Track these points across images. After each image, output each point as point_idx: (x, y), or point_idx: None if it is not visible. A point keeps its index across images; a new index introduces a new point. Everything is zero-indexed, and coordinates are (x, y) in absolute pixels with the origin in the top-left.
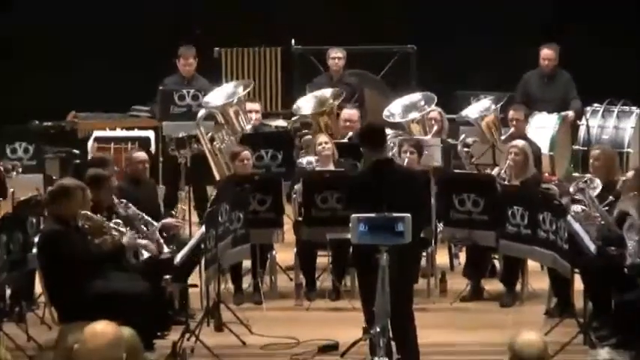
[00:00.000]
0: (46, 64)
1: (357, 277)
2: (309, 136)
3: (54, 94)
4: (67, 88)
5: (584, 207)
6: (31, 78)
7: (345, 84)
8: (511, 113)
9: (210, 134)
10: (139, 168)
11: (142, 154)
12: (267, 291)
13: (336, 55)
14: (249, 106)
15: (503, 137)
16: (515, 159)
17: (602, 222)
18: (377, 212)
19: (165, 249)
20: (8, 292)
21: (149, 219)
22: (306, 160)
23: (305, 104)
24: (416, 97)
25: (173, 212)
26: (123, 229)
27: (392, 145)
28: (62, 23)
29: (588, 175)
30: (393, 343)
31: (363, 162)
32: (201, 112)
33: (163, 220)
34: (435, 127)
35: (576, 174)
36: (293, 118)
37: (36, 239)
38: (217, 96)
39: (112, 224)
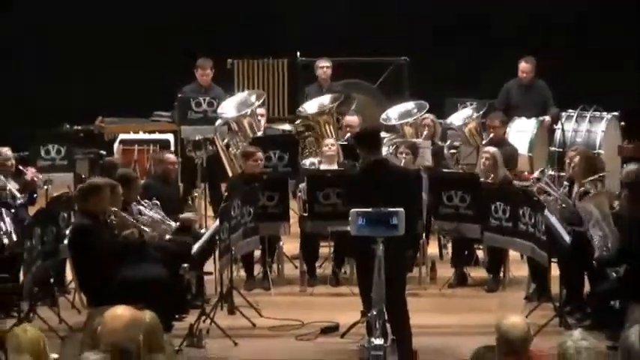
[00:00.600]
0: (75, 73)
1: (356, 266)
2: (312, 138)
3: (82, 100)
4: (94, 96)
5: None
6: (62, 85)
7: (333, 91)
8: (488, 121)
9: (226, 140)
10: (169, 168)
11: (173, 157)
12: (275, 278)
13: (324, 65)
14: (259, 110)
15: (484, 141)
16: (485, 163)
17: (563, 205)
18: (373, 207)
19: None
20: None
21: (167, 219)
22: (309, 162)
23: (308, 107)
24: (410, 104)
25: (192, 208)
26: (146, 228)
27: (389, 147)
28: (91, 35)
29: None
30: (388, 325)
31: (361, 162)
32: (219, 122)
33: (182, 215)
34: (426, 132)
35: (551, 172)
36: (297, 122)
37: (67, 232)
38: (232, 106)
39: (135, 221)
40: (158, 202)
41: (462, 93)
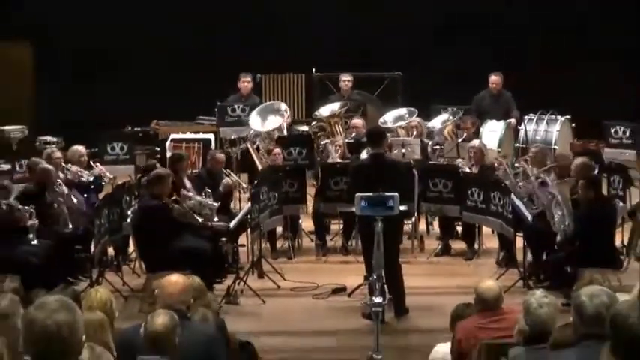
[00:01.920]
0: (134, 85)
1: (360, 239)
2: (327, 139)
3: (141, 107)
4: (150, 103)
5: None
6: (124, 95)
7: (353, 100)
8: (461, 124)
9: (256, 144)
10: (218, 166)
11: (222, 157)
12: (296, 249)
13: (346, 79)
14: (286, 118)
15: (460, 140)
16: (474, 155)
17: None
18: (373, 192)
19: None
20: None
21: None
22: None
23: (323, 111)
24: (403, 110)
25: (231, 178)
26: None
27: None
28: (147, 55)
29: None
30: (386, 287)
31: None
32: (251, 132)
33: (223, 181)
34: (415, 132)
35: (516, 164)
36: (312, 124)
37: (129, 212)
38: (256, 121)
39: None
40: (209, 191)
41: (443, 101)
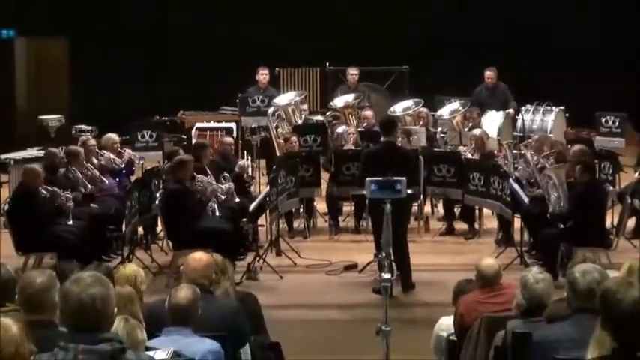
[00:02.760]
0: (162, 78)
1: (370, 220)
2: (340, 127)
3: (168, 98)
4: (177, 95)
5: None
6: (153, 86)
7: (358, 91)
8: (467, 114)
9: (275, 124)
10: (227, 148)
11: (229, 139)
12: (311, 229)
13: (354, 72)
14: (302, 106)
15: (466, 129)
16: (475, 143)
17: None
18: (383, 177)
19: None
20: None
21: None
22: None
23: (338, 101)
24: (410, 101)
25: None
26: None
27: None
28: (174, 47)
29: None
30: (394, 264)
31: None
32: (271, 109)
33: (239, 162)
34: (422, 122)
35: (515, 151)
36: (327, 113)
37: (157, 195)
38: (282, 99)
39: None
40: (227, 175)
41: (447, 93)
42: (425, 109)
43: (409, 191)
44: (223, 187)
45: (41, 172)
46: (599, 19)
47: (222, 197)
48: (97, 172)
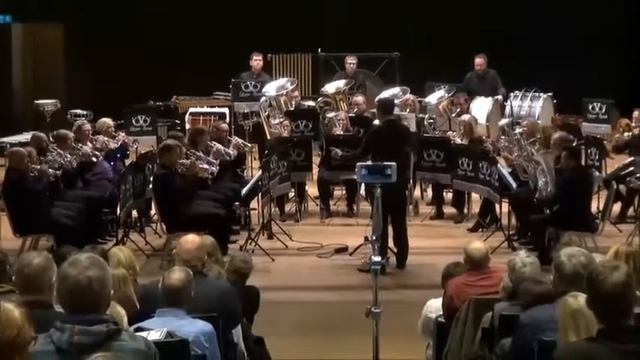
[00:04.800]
0: (156, 63)
1: (370, 203)
2: (331, 112)
3: (162, 83)
4: (170, 80)
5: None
6: (146, 72)
7: (356, 79)
8: (455, 99)
9: (267, 113)
10: (222, 134)
11: (225, 125)
12: (302, 212)
13: (352, 61)
14: (294, 93)
15: (453, 114)
16: (464, 128)
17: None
18: (388, 151)
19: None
20: (134, 213)
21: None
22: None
23: (329, 87)
24: (396, 89)
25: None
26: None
27: None
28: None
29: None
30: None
31: (378, 121)
32: (263, 99)
33: (233, 142)
34: (409, 109)
35: (503, 137)
36: (319, 99)
37: (151, 179)
38: (273, 87)
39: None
40: (214, 161)
41: (437, 79)
42: (412, 96)
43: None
44: (210, 168)
45: (26, 153)
46: (587, 6)
47: (207, 176)
48: (87, 149)
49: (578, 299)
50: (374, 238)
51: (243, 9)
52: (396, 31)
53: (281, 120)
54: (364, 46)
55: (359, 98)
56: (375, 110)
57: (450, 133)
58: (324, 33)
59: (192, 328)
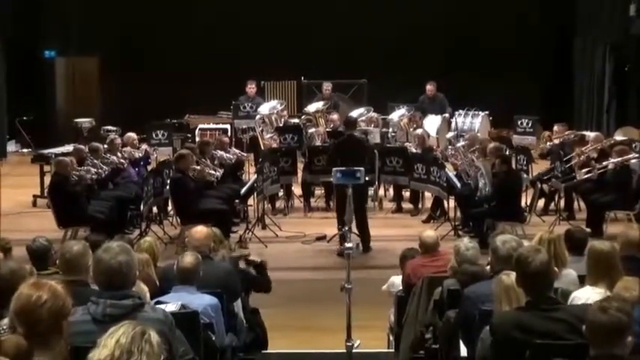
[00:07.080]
0: (171, 87)
1: (336, 200)
2: (312, 128)
3: (176, 104)
4: (184, 101)
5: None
6: (164, 94)
7: (333, 101)
8: (412, 117)
9: (260, 128)
10: (224, 145)
11: (226, 138)
12: (289, 208)
13: (327, 87)
14: (283, 112)
15: (411, 129)
16: (418, 140)
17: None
18: (348, 161)
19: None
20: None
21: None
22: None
23: (310, 107)
24: (362, 109)
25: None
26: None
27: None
28: (180, 62)
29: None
30: (354, 236)
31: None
32: (257, 117)
33: (231, 151)
34: (373, 124)
35: (450, 147)
36: (302, 117)
37: (168, 181)
38: (266, 108)
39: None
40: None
41: (396, 101)
42: (375, 114)
43: (367, 178)
44: (215, 173)
45: (68, 161)
46: (515, 35)
47: (213, 179)
48: (115, 159)
49: (511, 277)
50: (346, 228)
51: (242, 45)
52: (364, 62)
53: (272, 135)
54: (338, 74)
55: (334, 116)
56: None
57: (407, 143)
58: (307, 64)
59: (201, 301)
